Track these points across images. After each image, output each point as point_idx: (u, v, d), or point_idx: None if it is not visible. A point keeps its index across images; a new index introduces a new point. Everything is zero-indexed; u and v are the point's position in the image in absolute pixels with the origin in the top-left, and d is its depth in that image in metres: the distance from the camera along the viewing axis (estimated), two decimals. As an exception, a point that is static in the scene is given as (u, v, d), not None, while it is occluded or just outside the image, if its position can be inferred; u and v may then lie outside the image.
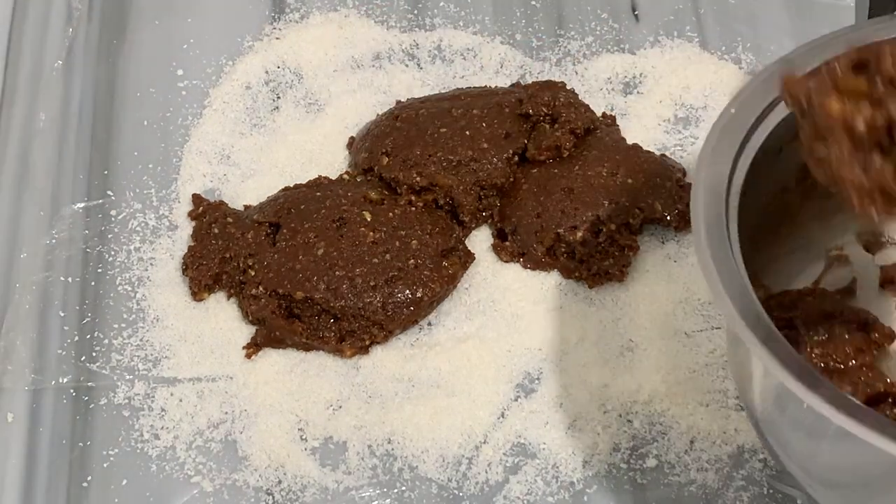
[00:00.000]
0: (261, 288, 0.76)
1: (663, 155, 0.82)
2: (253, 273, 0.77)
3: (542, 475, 0.71)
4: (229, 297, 0.78)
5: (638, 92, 0.87)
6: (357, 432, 0.73)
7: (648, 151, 0.82)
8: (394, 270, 0.76)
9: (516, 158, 0.81)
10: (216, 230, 0.79)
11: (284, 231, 0.78)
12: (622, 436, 0.72)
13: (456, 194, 0.79)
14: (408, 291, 0.76)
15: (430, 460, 0.72)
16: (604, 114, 0.84)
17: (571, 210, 0.78)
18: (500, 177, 0.79)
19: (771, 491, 0.71)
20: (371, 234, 0.77)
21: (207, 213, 0.80)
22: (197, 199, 0.82)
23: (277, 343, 0.76)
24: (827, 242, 0.71)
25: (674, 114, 0.85)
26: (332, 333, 0.76)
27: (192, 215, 0.81)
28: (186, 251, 0.79)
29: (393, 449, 0.72)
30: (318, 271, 0.76)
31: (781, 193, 0.65)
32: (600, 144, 0.81)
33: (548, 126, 0.81)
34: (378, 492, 0.71)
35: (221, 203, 0.81)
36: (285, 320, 0.76)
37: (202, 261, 0.78)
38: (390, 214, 0.78)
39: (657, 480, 0.71)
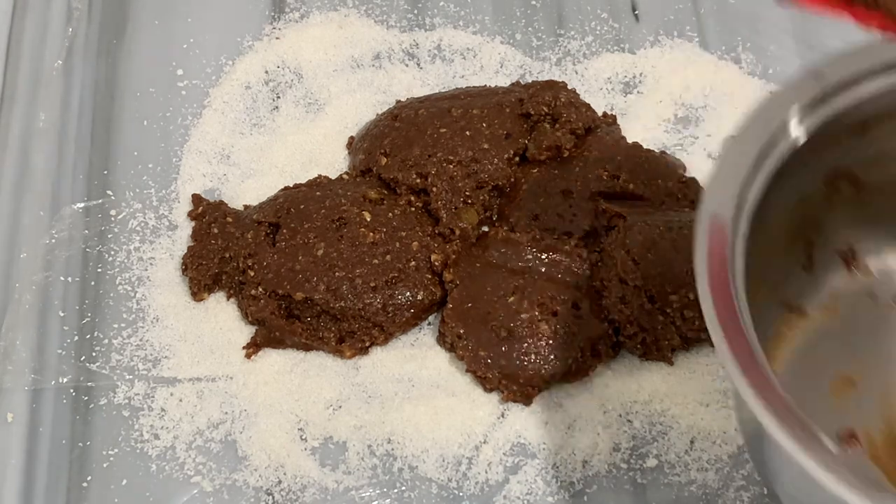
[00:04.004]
0: (260, 288, 0.76)
1: (663, 152, 0.82)
2: (252, 273, 0.77)
3: (542, 475, 0.71)
4: (229, 297, 0.78)
5: (638, 92, 0.87)
6: (357, 432, 0.73)
7: (649, 150, 0.82)
8: (394, 272, 0.76)
9: (517, 159, 0.81)
10: (216, 230, 0.79)
11: (284, 231, 0.78)
12: (622, 436, 0.72)
13: (435, 207, 0.78)
14: (408, 293, 0.75)
15: (430, 460, 0.72)
16: (604, 113, 0.84)
17: (570, 216, 0.78)
18: (500, 177, 0.79)
19: (771, 491, 0.71)
20: (371, 234, 0.77)
21: (207, 213, 0.80)
22: (197, 198, 0.82)
23: (277, 343, 0.76)
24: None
25: (674, 114, 0.85)
26: (332, 334, 0.76)
27: (192, 215, 0.81)
28: (186, 251, 0.79)
29: (393, 449, 0.72)
30: (318, 272, 0.76)
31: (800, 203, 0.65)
32: (601, 144, 0.81)
33: (548, 126, 0.81)
34: (378, 492, 0.71)
35: (221, 203, 0.81)
36: (285, 321, 0.76)
37: (202, 261, 0.78)
38: (390, 215, 0.78)
39: (657, 480, 0.71)
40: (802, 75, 0.62)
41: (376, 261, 0.76)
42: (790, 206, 0.63)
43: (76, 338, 0.77)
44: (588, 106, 0.83)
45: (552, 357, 0.73)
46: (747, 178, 0.58)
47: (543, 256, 0.77)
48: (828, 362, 0.67)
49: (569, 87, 0.84)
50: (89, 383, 0.75)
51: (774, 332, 0.66)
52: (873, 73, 0.61)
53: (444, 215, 0.78)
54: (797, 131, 0.60)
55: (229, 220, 0.79)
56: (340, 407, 0.74)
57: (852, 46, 0.63)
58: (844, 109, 0.61)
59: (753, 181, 0.59)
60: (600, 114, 0.84)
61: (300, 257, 0.76)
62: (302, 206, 0.79)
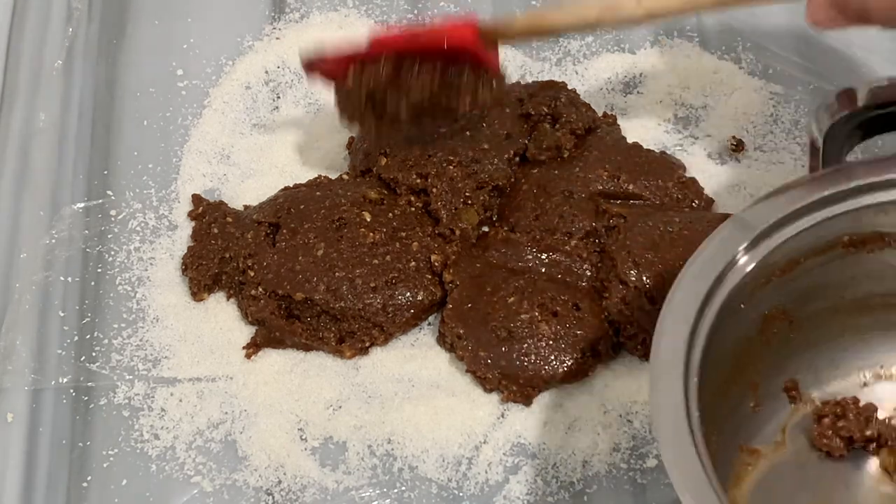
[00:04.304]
0: (260, 289, 0.76)
1: (663, 152, 0.82)
2: (252, 273, 0.77)
3: (542, 475, 0.71)
4: (229, 297, 0.78)
5: (638, 92, 0.87)
6: (357, 432, 0.73)
7: (649, 150, 0.81)
8: (394, 272, 0.76)
9: (517, 159, 0.81)
10: (216, 230, 0.79)
11: (284, 231, 0.78)
12: (622, 436, 0.72)
13: (435, 207, 0.78)
14: (408, 294, 0.75)
15: (430, 460, 0.72)
16: (604, 113, 0.84)
17: (570, 216, 0.78)
18: (501, 178, 0.79)
19: (771, 491, 0.71)
20: (371, 234, 0.77)
21: (207, 213, 0.80)
22: (197, 199, 0.82)
23: (277, 343, 0.76)
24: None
25: (674, 113, 0.85)
26: (332, 334, 0.76)
27: (192, 215, 0.81)
28: (186, 251, 0.79)
29: (393, 449, 0.72)
30: (318, 272, 0.76)
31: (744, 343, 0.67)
32: (601, 145, 0.81)
33: (548, 126, 0.81)
34: (378, 492, 0.71)
35: (221, 203, 0.81)
36: (285, 321, 0.76)
37: (202, 261, 0.78)
38: (390, 215, 0.78)
39: (657, 480, 0.71)
40: (730, 225, 0.65)
41: (376, 261, 0.76)
42: (729, 353, 0.66)
43: (76, 338, 0.77)
44: (588, 106, 0.83)
45: (552, 358, 0.73)
46: (695, 324, 0.62)
47: (543, 257, 0.77)
48: (785, 499, 0.69)
49: (569, 87, 0.84)
50: (89, 383, 0.75)
51: (734, 474, 0.68)
52: (796, 214, 0.65)
53: (445, 216, 0.78)
54: (745, 262, 0.64)
55: (229, 220, 0.79)
56: (340, 407, 0.74)
57: (773, 190, 0.67)
58: (772, 252, 0.65)
59: (700, 325, 0.62)
60: (600, 114, 0.84)
61: (300, 257, 0.76)
62: (302, 206, 0.78)
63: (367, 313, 0.75)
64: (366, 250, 0.76)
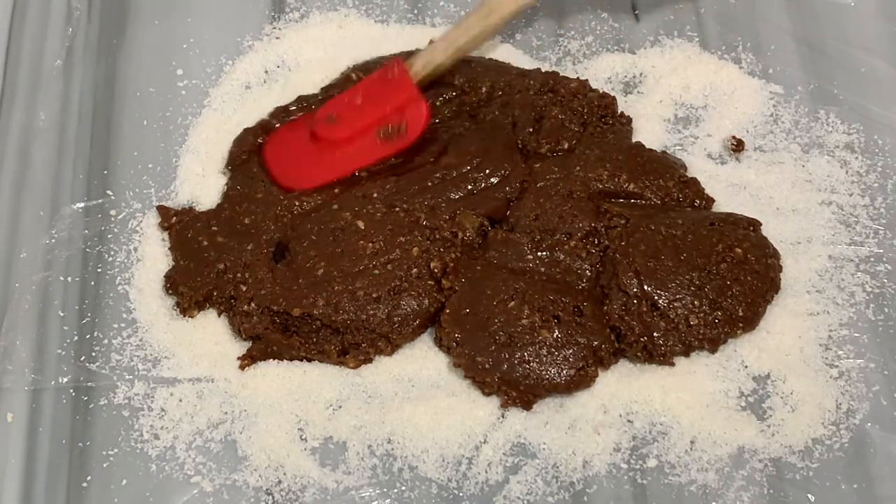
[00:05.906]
0: (253, 304, 0.75)
1: (664, 152, 0.82)
2: (245, 288, 0.75)
3: (542, 475, 0.71)
4: (220, 313, 0.77)
5: (638, 92, 0.87)
6: (357, 432, 0.73)
7: (650, 150, 0.81)
8: (396, 280, 0.75)
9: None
10: (205, 242, 0.78)
11: (291, 252, 0.76)
12: (622, 436, 0.72)
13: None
14: (414, 303, 0.75)
15: (430, 460, 0.72)
16: (621, 113, 0.84)
17: (570, 216, 0.78)
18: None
19: (771, 491, 0.71)
20: (370, 245, 0.76)
21: (181, 221, 0.79)
22: (163, 210, 0.80)
23: (274, 356, 0.75)
24: None
25: (674, 113, 0.85)
26: (334, 347, 0.74)
27: (165, 226, 0.80)
28: (171, 268, 0.78)
29: (393, 449, 0.72)
30: (315, 287, 0.74)
31: None
32: (602, 144, 0.81)
33: (552, 119, 0.81)
34: (378, 492, 0.71)
35: (191, 209, 0.80)
36: (282, 335, 0.75)
37: (195, 277, 0.76)
38: (379, 216, 0.77)
39: (657, 480, 0.71)
40: None
41: (377, 271, 0.75)
42: None
43: (76, 338, 0.77)
44: (598, 95, 0.83)
45: (554, 367, 0.73)
46: None
47: (544, 257, 0.76)
48: None
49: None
50: (89, 383, 0.75)
51: None
52: None
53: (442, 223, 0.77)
54: None
55: (215, 228, 0.78)
56: (340, 407, 0.74)
57: None
58: None
59: None
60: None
61: (299, 278, 0.75)
62: (297, 223, 0.78)
63: (372, 324, 0.74)
64: (366, 262, 0.75)
